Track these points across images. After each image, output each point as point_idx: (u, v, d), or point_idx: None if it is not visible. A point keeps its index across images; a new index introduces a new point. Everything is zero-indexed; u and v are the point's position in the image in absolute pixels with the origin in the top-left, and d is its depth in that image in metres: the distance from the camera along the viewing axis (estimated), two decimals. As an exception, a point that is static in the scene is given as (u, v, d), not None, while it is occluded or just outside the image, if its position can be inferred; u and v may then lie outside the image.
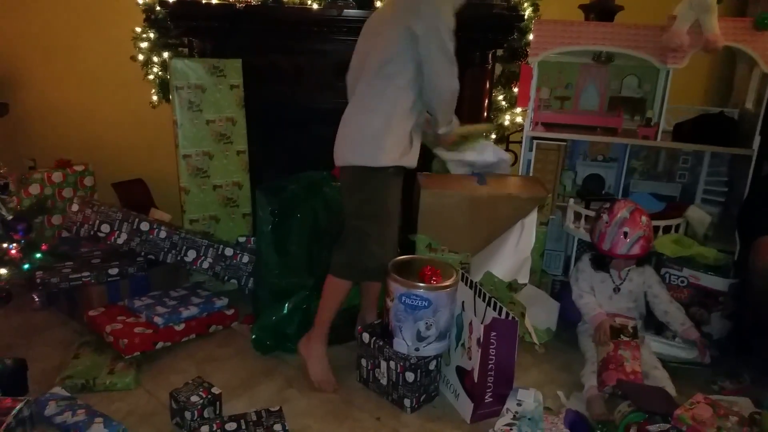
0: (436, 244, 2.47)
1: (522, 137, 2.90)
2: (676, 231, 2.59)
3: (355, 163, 2.01)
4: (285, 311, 2.35)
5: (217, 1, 2.87)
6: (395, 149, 1.99)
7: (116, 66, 3.24)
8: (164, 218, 3.05)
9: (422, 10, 1.89)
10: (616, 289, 2.30)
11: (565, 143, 2.80)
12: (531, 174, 2.77)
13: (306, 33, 2.94)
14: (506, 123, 3.26)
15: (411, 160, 2.06)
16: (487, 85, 3.12)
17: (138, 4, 3.00)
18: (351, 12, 2.87)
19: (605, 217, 2.27)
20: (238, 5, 2.84)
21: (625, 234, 2.22)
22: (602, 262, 2.31)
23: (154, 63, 3.01)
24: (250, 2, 2.87)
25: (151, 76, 3.06)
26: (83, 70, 3.36)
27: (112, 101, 3.39)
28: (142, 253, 2.63)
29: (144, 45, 3.03)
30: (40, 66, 3.35)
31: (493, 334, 1.85)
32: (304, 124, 3.10)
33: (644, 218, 2.25)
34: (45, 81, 3.39)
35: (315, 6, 2.86)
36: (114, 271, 2.55)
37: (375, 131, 1.98)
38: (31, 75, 3.36)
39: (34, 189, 2.91)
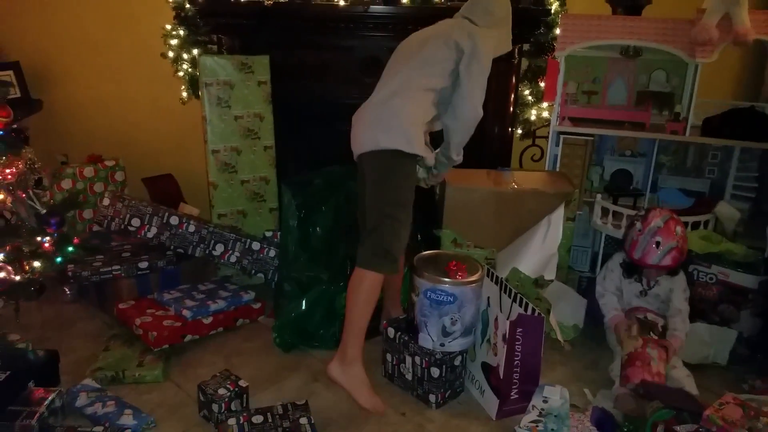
0: (462, 239, 2.47)
1: (549, 132, 2.88)
2: (705, 227, 2.55)
3: (389, 147, 1.94)
4: (304, 307, 2.36)
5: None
6: (422, 140, 2.00)
7: (147, 63, 3.29)
8: (193, 213, 3.10)
9: (472, 33, 2.00)
10: (644, 293, 2.26)
11: (592, 138, 2.77)
12: (558, 169, 2.75)
13: (332, 29, 2.95)
14: (532, 118, 3.23)
15: (431, 158, 2.07)
16: (514, 80, 3.09)
17: (168, 1, 3.05)
18: (377, 8, 2.87)
19: (638, 225, 2.20)
20: (266, 2, 2.86)
21: (657, 244, 2.13)
22: (633, 270, 2.27)
23: (183, 60, 3.06)
24: (278, -1, 2.89)
25: (181, 73, 3.10)
26: (114, 67, 3.43)
27: (142, 97, 3.46)
28: (172, 247, 2.68)
29: (174, 42, 3.07)
30: (73, 63, 3.43)
31: (519, 330, 1.85)
32: (330, 119, 3.07)
33: (679, 229, 2.16)
34: (77, 77, 3.47)
35: (342, 2, 2.87)
36: (144, 264, 2.60)
37: (411, 117, 1.97)
38: (64, 72, 3.44)
39: (67, 184, 2.98)
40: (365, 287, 1.89)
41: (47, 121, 3.46)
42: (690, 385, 1.96)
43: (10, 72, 3.25)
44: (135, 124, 3.50)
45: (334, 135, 3.04)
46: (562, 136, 2.79)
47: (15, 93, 3.25)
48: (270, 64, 2.92)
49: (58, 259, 2.20)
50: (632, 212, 2.46)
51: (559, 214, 2.36)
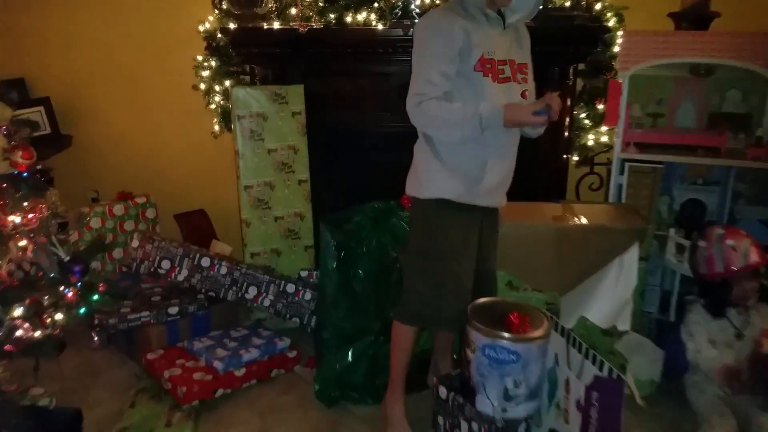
0: (518, 282, 2.21)
1: (610, 158, 2.67)
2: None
3: (408, 193, 1.88)
4: (349, 359, 2.15)
5: (279, 27, 2.76)
6: (448, 180, 1.77)
7: (178, 95, 3.17)
8: (225, 251, 2.95)
9: None
10: (739, 336, 1.98)
11: (660, 165, 2.50)
12: (623, 200, 2.49)
13: (370, 55, 2.80)
14: (590, 143, 2.97)
15: (476, 196, 1.79)
16: (569, 103, 2.86)
17: (199, 32, 2.93)
18: None
19: (702, 243, 2.11)
20: (299, 30, 2.72)
21: (733, 247, 2.02)
22: (719, 303, 2.01)
23: (215, 92, 2.92)
24: (312, 26, 2.74)
25: (213, 106, 2.97)
26: (145, 101, 3.32)
27: (174, 131, 3.34)
28: (203, 290, 2.51)
29: (206, 73, 2.94)
30: (103, 97, 3.34)
31: (596, 395, 1.58)
32: (368, 149, 2.95)
33: (741, 230, 2.10)
34: (107, 112, 3.37)
35: (380, 26, 2.71)
36: (174, 310, 2.43)
37: (422, 158, 1.81)
38: (94, 106, 3.35)
39: (96, 222, 2.85)
40: (396, 337, 1.94)
41: (78, 156, 3.37)
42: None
43: (41, 108, 3.17)
44: (167, 158, 3.38)
45: (373, 166, 2.91)
46: (627, 164, 2.54)
47: (44, 129, 3.16)
48: (305, 94, 2.76)
49: (82, 310, 2.04)
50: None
51: (633, 254, 2.09)
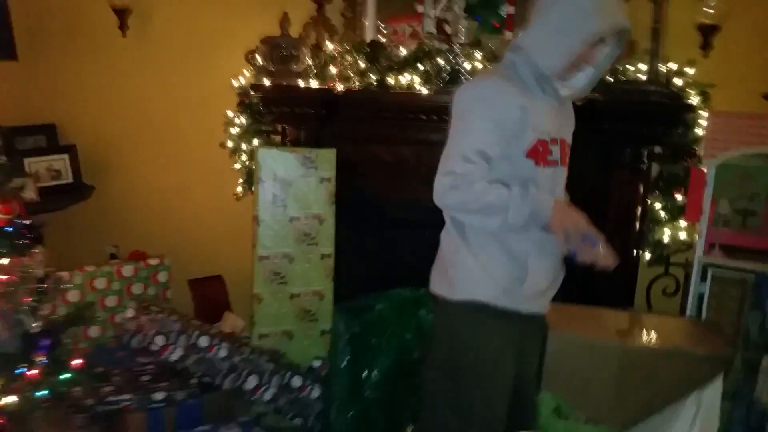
0: (568, 408, 1.78)
1: (689, 260, 2.32)
2: None
3: (433, 291, 1.56)
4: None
5: (315, 86, 2.54)
6: (483, 279, 1.46)
7: (208, 152, 2.98)
8: (237, 325, 2.65)
9: None
10: None
11: (751, 274, 2.06)
12: (704, 314, 2.04)
13: (411, 121, 2.52)
14: (666, 239, 2.52)
15: (517, 301, 1.47)
16: (641, 190, 2.47)
17: (233, 87, 2.74)
18: None
19: None
20: (336, 90, 2.48)
21: None
22: None
23: (242, 151, 2.70)
24: (351, 87, 2.50)
25: (238, 165, 2.74)
26: (173, 156, 3.15)
27: (200, 189, 3.14)
28: (196, 375, 2.19)
29: (235, 131, 2.73)
30: (130, 149, 3.19)
31: None
32: (403, 226, 2.63)
33: None
34: (133, 165, 3.21)
35: (424, 91, 2.43)
36: (160, 395, 2.12)
37: (451, 249, 1.51)
38: (121, 158, 3.20)
39: (101, 283, 2.60)
40: None
41: (98, 209, 3.20)
42: None
43: (65, 156, 3.04)
44: (189, 218, 3.16)
45: (408, 245, 2.58)
46: (710, 270, 2.18)
47: (66, 178, 3.02)
48: (337, 159, 2.49)
49: (45, 392, 1.74)
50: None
51: (715, 389, 1.64)
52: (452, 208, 1.47)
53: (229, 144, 2.75)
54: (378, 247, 2.65)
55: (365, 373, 1.97)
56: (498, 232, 1.42)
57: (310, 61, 2.57)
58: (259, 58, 2.54)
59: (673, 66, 2.43)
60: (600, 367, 1.76)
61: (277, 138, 2.75)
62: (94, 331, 2.58)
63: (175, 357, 2.18)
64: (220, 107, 2.84)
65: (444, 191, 1.41)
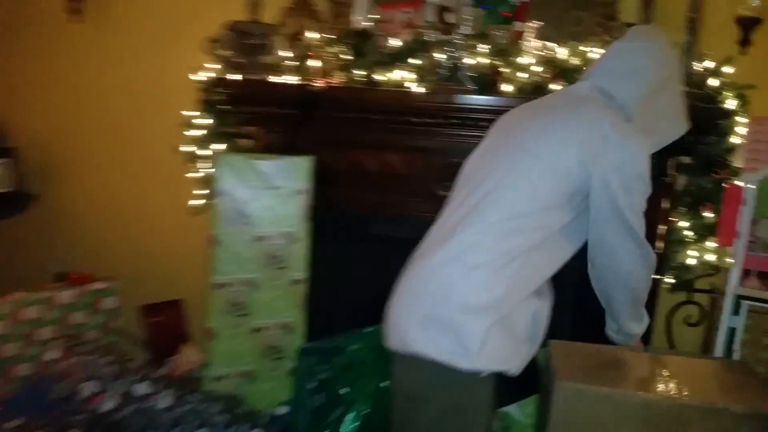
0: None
1: (715, 286, 2.09)
2: None
3: (433, 357, 1.25)
4: None
5: (294, 81, 2.17)
6: (504, 346, 1.29)
7: (169, 158, 2.57)
8: (195, 361, 2.26)
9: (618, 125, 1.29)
10: None
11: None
12: (736, 352, 1.71)
13: (403, 125, 2.16)
14: (691, 262, 2.18)
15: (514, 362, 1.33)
16: (665, 205, 2.13)
17: (196, 82, 2.36)
18: (468, 99, 2.07)
19: None
20: (315, 87, 2.11)
21: None
22: None
23: (201, 158, 2.32)
24: (332, 83, 2.13)
25: (198, 174, 2.36)
26: (129, 161, 2.75)
27: (157, 200, 2.74)
28: (133, 429, 1.79)
29: (196, 133, 2.35)
30: (81, 153, 2.78)
31: None
32: (392, 246, 2.24)
33: None
34: (83, 171, 2.80)
35: (419, 90, 2.07)
36: (84, 456, 1.72)
37: (480, 309, 1.25)
38: (69, 163, 2.80)
39: (31, 312, 2.21)
40: None
41: (42, 221, 2.80)
42: None
43: (5, 161, 2.65)
44: (146, 232, 2.76)
45: (398, 268, 2.21)
46: (744, 302, 1.89)
47: (6, 186, 2.63)
48: (315, 168, 2.12)
49: None
50: None
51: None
52: (636, 280, 1.41)
53: (189, 149, 2.36)
54: (361, 271, 2.27)
55: (334, 427, 1.59)
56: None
57: (286, 53, 2.20)
58: (222, 48, 2.17)
59: (709, 64, 2.08)
60: (618, 424, 1.39)
61: (248, 142, 2.37)
62: (24, 369, 2.18)
63: (107, 407, 1.80)
64: (186, 105, 2.45)
65: (641, 260, 1.36)
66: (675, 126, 1.44)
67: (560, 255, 1.33)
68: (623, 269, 1.35)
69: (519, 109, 1.49)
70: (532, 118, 1.38)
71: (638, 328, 1.50)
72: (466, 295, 1.24)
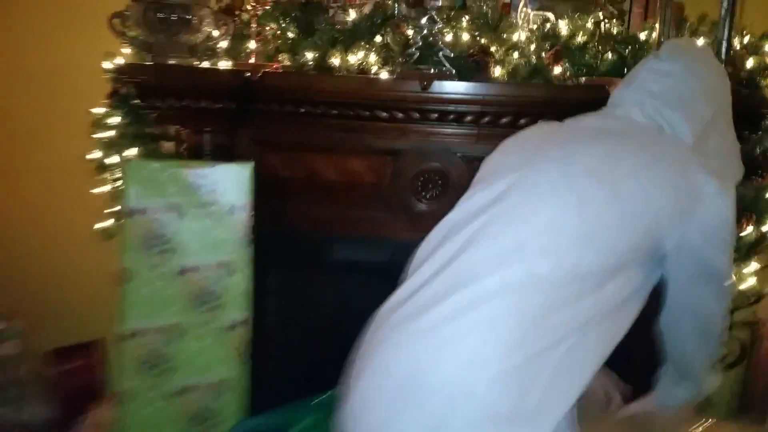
0: None
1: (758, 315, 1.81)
2: None
3: None
4: None
5: (226, 67, 1.72)
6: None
7: (81, 167, 2.10)
8: (103, 424, 1.80)
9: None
10: None
11: None
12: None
13: (367, 120, 1.72)
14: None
15: None
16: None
17: (105, 70, 1.89)
18: (447, 87, 1.63)
19: None
20: (251, 74, 1.66)
21: None
22: None
23: (110, 166, 1.85)
24: (272, 67, 1.68)
25: (105, 187, 1.88)
26: (37, 166, 2.29)
27: (69, 218, 2.27)
28: None
29: (105, 135, 1.87)
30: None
31: None
32: (359, 273, 1.85)
33: None
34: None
35: (384, 75, 1.63)
36: None
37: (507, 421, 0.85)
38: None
39: None
40: None
41: None
42: None
43: None
44: (55, 259, 2.29)
45: (367, 300, 1.80)
46: None
47: None
48: (257, 177, 1.66)
49: None
50: None
51: None
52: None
53: (97, 155, 1.88)
54: (320, 309, 1.85)
55: None
56: None
57: (215, 31, 1.74)
58: (128, 26, 1.68)
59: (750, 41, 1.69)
60: None
61: (170, 145, 1.90)
62: None
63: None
64: (100, 100, 1.99)
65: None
66: (727, 170, 1.14)
67: (615, 339, 0.93)
68: (718, 328, 1.11)
69: (545, 127, 1.15)
70: (590, 142, 1.02)
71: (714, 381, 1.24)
72: (487, 399, 0.82)
